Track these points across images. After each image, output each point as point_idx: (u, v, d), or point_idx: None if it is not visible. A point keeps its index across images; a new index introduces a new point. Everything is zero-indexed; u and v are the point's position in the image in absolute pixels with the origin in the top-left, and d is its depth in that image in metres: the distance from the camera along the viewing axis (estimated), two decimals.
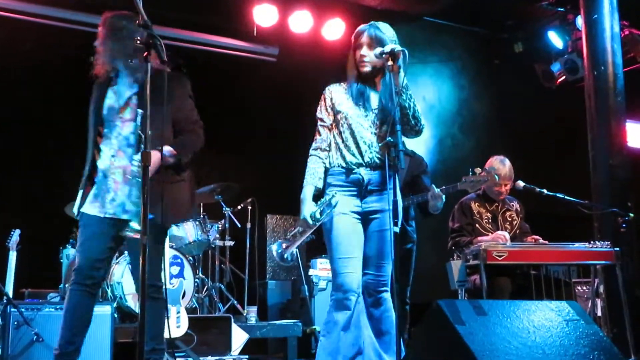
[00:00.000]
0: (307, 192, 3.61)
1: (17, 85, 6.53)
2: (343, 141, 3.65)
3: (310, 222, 3.53)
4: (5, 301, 4.79)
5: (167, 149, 3.52)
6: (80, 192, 3.61)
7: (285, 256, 3.80)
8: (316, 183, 3.63)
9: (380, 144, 3.60)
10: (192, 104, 3.85)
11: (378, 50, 3.54)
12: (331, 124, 3.71)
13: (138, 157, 3.36)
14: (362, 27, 3.68)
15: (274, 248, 3.87)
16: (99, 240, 3.56)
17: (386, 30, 3.64)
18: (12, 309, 4.57)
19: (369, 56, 3.60)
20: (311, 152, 3.72)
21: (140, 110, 3.43)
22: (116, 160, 3.59)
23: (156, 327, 3.68)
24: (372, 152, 3.60)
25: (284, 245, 3.82)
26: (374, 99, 3.66)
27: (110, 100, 3.62)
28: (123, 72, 3.64)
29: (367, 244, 3.62)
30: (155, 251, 3.55)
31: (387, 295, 3.61)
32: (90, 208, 3.58)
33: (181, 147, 3.67)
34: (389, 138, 3.45)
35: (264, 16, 7.29)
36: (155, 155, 3.25)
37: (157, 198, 3.28)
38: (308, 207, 3.56)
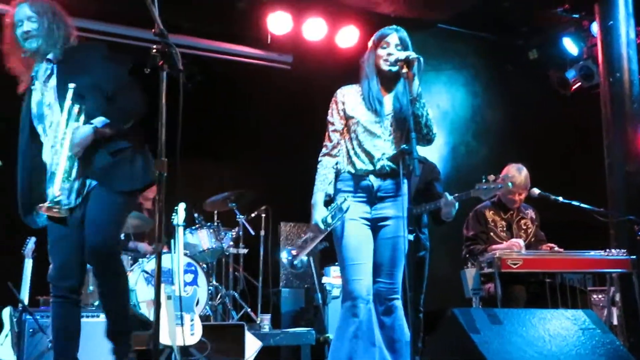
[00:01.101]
0: (318, 198, 3.59)
1: None
2: (354, 148, 3.62)
3: (322, 227, 3.52)
4: (20, 308, 4.82)
5: (98, 120, 3.36)
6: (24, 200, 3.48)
7: (295, 263, 3.78)
8: (326, 189, 3.61)
9: (393, 151, 3.58)
10: (116, 67, 3.56)
11: (394, 57, 3.54)
12: (342, 129, 3.68)
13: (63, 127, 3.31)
14: (388, 28, 3.65)
15: (283, 255, 3.85)
16: (63, 244, 3.43)
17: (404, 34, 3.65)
18: (28, 317, 4.61)
19: (396, 55, 3.56)
20: (321, 157, 3.68)
21: (71, 85, 3.32)
22: (57, 150, 3.39)
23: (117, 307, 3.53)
24: (383, 159, 3.58)
25: (293, 252, 3.80)
26: (388, 104, 3.64)
27: (35, 92, 3.50)
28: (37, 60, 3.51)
29: (379, 251, 3.60)
30: (107, 213, 3.40)
31: (398, 303, 3.59)
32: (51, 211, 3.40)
33: (114, 113, 3.42)
34: (404, 146, 3.44)
35: (278, 24, 7.31)
36: (83, 130, 3.27)
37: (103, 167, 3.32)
38: (319, 212, 3.55)
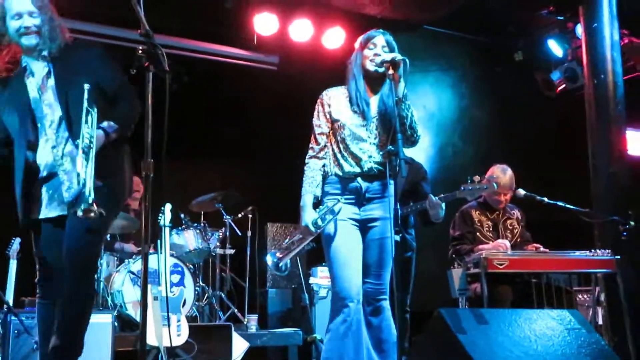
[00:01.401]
0: (307, 200, 3.60)
1: None
2: (340, 151, 3.63)
3: (312, 229, 3.53)
4: (5, 309, 4.78)
5: (108, 124, 3.28)
6: (22, 200, 3.33)
7: (280, 265, 3.78)
8: (315, 191, 3.62)
9: (380, 153, 3.60)
10: (114, 67, 3.45)
11: (380, 58, 3.56)
12: (329, 132, 3.69)
13: (87, 129, 3.13)
14: (375, 31, 3.68)
15: (268, 258, 3.84)
16: (56, 247, 3.28)
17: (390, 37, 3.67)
18: (13, 318, 4.57)
19: (382, 56, 3.58)
20: (308, 160, 3.69)
21: (87, 86, 3.17)
22: (59, 149, 3.30)
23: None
24: (371, 162, 3.59)
25: (278, 255, 3.79)
26: (374, 106, 3.65)
27: (31, 89, 3.34)
28: (30, 56, 3.36)
29: (366, 252, 3.61)
30: (104, 225, 3.34)
31: (386, 304, 3.60)
32: (50, 211, 3.31)
33: (121, 118, 3.35)
34: (390, 147, 3.46)
35: (264, 25, 7.30)
36: (98, 135, 3.16)
37: (110, 171, 3.22)
38: (309, 215, 3.56)
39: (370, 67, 3.61)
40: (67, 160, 3.28)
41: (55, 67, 3.34)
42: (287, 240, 3.81)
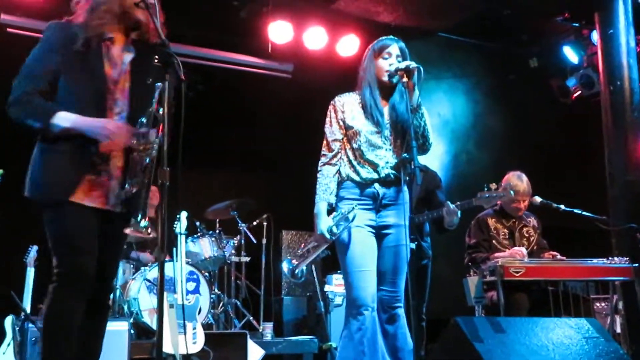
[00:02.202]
0: (322, 207, 3.59)
1: None
2: (356, 158, 3.63)
3: (328, 236, 3.53)
4: (23, 317, 4.82)
5: None
6: (69, 174, 2.98)
7: (297, 272, 3.78)
8: (329, 198, 3.61)
9: (395, 160, 3.59)
10: None
11: (394, 66, 3.56)
12: (342, 138, 3.68)
13: (153, 137, 2.96)
14: (388, 39, 3.68)
15: (284, 265, 3.85)
16: (93, 238, 3.01)
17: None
18: (30, 325, 4.60)
19: (396, 64, 3.58)
20: (321, 167, 3.68)
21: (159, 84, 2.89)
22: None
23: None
24: (387, 167, 3.59)
25: (294, 262, 3.80)
26: (387, 114, 3.65)
27: (107, 68, 3.08)
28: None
29: (381, 259, 3.60)
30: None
31: (401, 312, 3.59)
32: (87, 198, 3.00)
33: None
34: (405, 154, 3.46)
35: (278, 33, 7.33)
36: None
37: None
38: (324, 222, 3.55)
39: (386, 78, 3.61)
40: (119, 156, 3.07)
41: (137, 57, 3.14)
42: (302, 247, 3.80)
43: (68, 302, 2.96)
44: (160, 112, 2.89)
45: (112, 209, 3.06)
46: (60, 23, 3.11)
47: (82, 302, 3.00)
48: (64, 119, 2.94)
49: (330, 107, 3.74)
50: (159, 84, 2.89)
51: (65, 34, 3.03)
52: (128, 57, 3.13)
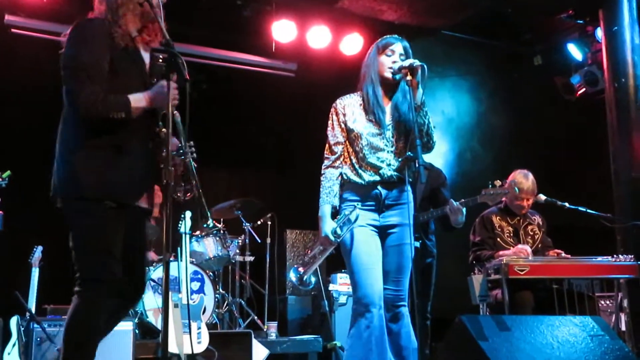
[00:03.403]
0: (326, 210, 3.59)
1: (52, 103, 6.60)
2: (358, 161, 3.63)
3: (332, 239, 3.53)
4: (28, 317, 4.83)
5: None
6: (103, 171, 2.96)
7: (305, 279, 3.77)
8: (332, 201, 3.61)
9: (398, 160, 3.59)
10: None
11: (398, 64, 3.56)
12: (345, 141, 3.68)
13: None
14: (393, 37, 3.68)
15: (291, 275, 3.83)
16: (118, 237, 3.02)
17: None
18: (35, 325, 4.61)
19: (399, 62, 3.59)
20: (324, 170, 3.68)
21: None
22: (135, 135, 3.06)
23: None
24: (390, 170, 3.59)
25: (300, 269, 3.79)
26: (389, 113, 3.65)
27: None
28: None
29: (385, 258, 3.61)
30: None
31: (405, 310, 3.59)
32: (140, 199, 3.08)
33: None
34: (409, 153, 3.46)
35: (282, 32, 7.32)
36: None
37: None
38: (328, 225, 3.55)
39: (388, 74, 3.61)
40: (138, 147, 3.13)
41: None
42: (307, 254, 3.79)
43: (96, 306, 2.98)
44: (177, 115, 3.07)
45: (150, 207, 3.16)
46: (95, 20, 3.07)
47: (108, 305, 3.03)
48: (138, 100, 2.97)
49: (332, 110, 3.73)
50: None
51: (104, 31, 3.00)
52: (146, 56, 3.14)
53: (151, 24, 3.12)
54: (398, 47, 3.64)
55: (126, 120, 2.94)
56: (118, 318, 3.19)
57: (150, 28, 3.13)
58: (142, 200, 3.11)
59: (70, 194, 2.97)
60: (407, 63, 3.50)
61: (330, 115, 3.73)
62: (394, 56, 3.62)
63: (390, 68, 3.60)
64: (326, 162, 3.69)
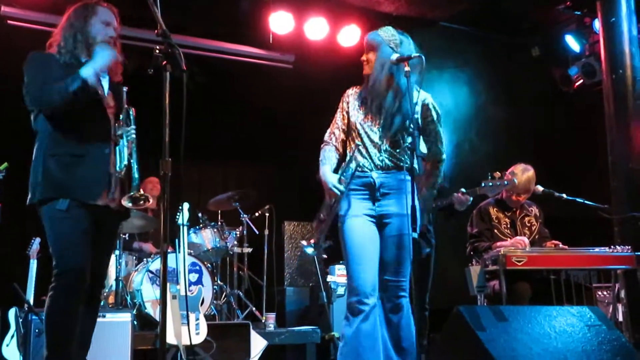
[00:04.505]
0: (326, 169, 3.65)
1: None
2: (356, 147, 3.65)
3: (340, 187, 3.54)
4: (26, 309, 4.83)
5: None
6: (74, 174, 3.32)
7: (320, 244, 3.81)
8: (332, 164, 3.69)
9: (395, 150, 3.59)
10: None
11: (395, 56, 3.56)
12: (344, 128, 3.75)
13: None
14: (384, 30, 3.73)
15: (309, 252, 3.87)
16: (81, 231, 3.32)
17: (383, 33, 3.68)
18: (33, 317, 4.61)
19: (367, 60, 3.68)
20: (323, 146, 3.76)
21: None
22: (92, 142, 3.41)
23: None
24: (382, 155, 3.59)
25: (312, 241, 3.83)
26: (388, 104, 3.65)
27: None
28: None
29: (384, 249, 3.61)
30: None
31: (405, 301, 3.59)
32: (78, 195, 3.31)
33: None
34: (407, 144, 3.47)
35: (279, 24, 7.30)
36: None
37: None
38: (331, 176, 3.60)
39: (363, 72, 3.70)
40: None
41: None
42: (318, 217, 3.79)
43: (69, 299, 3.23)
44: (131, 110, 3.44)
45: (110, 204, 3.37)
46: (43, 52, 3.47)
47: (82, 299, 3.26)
48: (86, 71, 3.26)
49: (343, 95, 3.83)
50: (125, 88, 3.48)
51: (52, 59, 3.40)
52: (105, 77, 3.48)
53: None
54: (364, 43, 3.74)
55: (85, 126, 3.32)
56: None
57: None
58: (102, 199, 3.34)
59: (33, 197, 3.31)
60: (405, 54, 3.52)
61: (340, 103, 3.82)
62: (364, 55, 3.71)
63: (364, 67, 3.69)
64: (325, 141, 3.79)
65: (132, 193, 3.31)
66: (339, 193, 3.56)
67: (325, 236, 3.78)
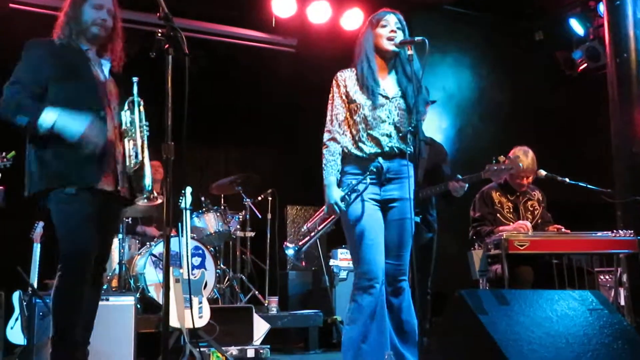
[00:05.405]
0: (332, 180, 3.55)
1: None
2: (359, 132, 3.59)
3: (341, 206, 3.49)
4: (30, 292, 4.85)
5: None
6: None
7: (302, 252, 3.76)
8: (337, 175, 3.59)
9: (398, 134, 3.58)
10: None
11: (399, 38, 3.54)
12: (346, 113, 3.66)
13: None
14: (384, 11, 3.67)
15: (289, 253, 3.82)
16: (84, 216, 3.35)
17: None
18: (37, 300, 4.63)
19: (399, 36, 3.58)
20: (327, 142, 3.64)
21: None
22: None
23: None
24: (391, 141, 3.57)
25: (298, 243, 3.77)
26: (389, 86, 3.63)
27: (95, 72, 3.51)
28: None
29: (387, 232, 3.59)
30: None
31: (406, 285, 3.59)
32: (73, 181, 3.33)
33: None
34: (410, 127, 3.45)
35: (282, 7, 7.28)
36: None
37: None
38: (335, 192, 3.52)
39: (388, 46, 3.58)
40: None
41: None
42: (306, 225, 3.77)
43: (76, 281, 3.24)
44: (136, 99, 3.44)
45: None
46: (40, 40, 3.47)
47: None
48: (47, 117, 3.22)
49: (334, 82, 3.72)
50: (135, 78, 3.45)
51: (49, 49, 3.39)
52: (105, 63, 3.49)
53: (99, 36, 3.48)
54: (391, 18, 3.62)
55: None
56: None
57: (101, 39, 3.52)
58: (102, 184, 3.34)
59: (32, 188, 3.36)
60: (409, 37, 3.51)
61: (331, 88, 3.71)
62: (390, 26, 3.60)
63: (390, 39, 3.58)
64: (327, 135, 3.65)
65: (144, 196, 3.37)
66: (339, 212, 3.53)
67: (307, 248, 3.74)
